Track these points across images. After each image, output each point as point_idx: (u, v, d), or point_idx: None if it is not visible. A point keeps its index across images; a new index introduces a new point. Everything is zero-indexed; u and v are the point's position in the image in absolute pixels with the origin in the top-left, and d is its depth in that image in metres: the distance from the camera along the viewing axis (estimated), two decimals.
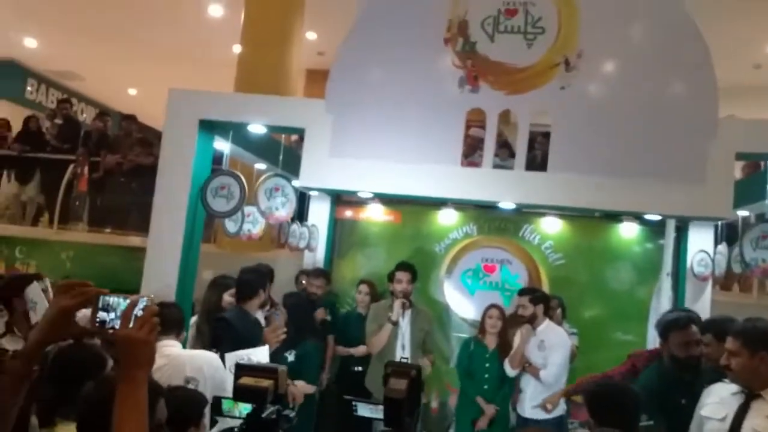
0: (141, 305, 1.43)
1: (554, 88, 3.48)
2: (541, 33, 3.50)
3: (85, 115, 13.02)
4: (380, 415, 1.81)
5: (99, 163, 8.29)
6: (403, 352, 4.63)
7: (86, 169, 8.11)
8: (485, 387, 4.58)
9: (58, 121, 9.39)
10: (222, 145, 4.27)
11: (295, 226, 5.66)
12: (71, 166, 8.12)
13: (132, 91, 13.44)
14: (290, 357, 4.05)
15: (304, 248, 5.93)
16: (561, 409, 4.55)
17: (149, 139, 8.51)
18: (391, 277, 4.81)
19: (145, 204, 7.76)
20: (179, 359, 2.94)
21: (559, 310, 5.00)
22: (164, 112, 4.02)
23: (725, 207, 3.36)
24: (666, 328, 3.20)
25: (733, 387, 2.76)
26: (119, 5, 9.49)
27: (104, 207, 8.21)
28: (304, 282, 5.29)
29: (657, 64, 3.43)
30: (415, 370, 1.75)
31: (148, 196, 7.38)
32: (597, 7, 3.48)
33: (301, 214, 6.39)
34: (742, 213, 4.94)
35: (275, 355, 4.00)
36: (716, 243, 5.12)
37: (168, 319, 3.07)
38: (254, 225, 4.75)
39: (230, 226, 4.58)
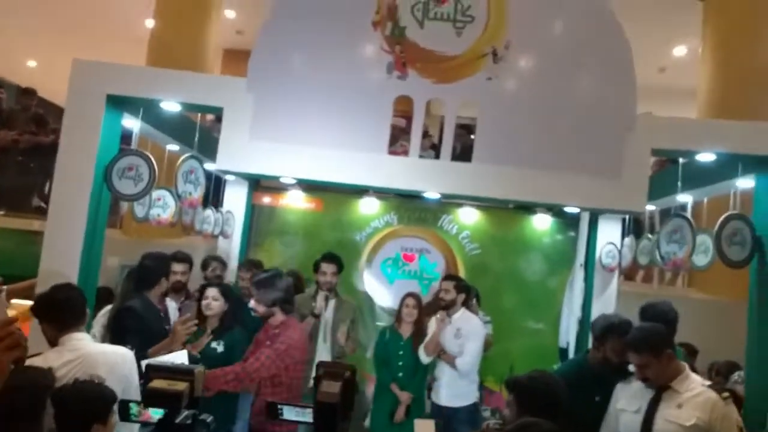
0: None
1: (481, 79, 3.47)
2: (470, 22, 3.48)
3: None
4: (308, 419, 1.69)
5: None
6: (324, 344, 4.55)
7: None
8: (399, 374, 4.58)
9: None
10: (131, 123, 3.97)
11: (209, 212, 5.42)
12: None
13: (32, 63, 12.43)
14: (219, 347, 3.86)
15: (218, 235, 5.70)
16: (474, 396, 4.62)
17: (45, 118, 7.89)
18: (316, 268, 4.67)
19: (43, 185, 7.27)
20: (91, 357, 2.66)
21: (475, 300, 5.07)
22: (66, 86, 3.68)
23: (640, 201, 3.48)
24: (606, 331, 3.26)
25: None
26: None
27: None
28: (213, 269, 5.04)
29: (580, 59, 3.50)
30: (349, 371, 1.63)
31: (47, 176, 6.93)
32: None
33: (216, 199, 6.13)
34: (648, 207, 5.19)
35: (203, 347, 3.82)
36: (623, 235, 5.36)
37: (72, 307, 2.82)
38: (164, 209, 4.47)
39: (138, 210, 4.29)
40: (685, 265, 3.95)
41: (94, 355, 2.68)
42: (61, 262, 3.59)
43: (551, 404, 2.32)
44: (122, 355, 2.81)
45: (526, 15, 3.46)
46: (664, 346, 2.82)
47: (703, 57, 7.27)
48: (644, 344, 2.81)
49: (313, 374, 1.63)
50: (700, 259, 3.89)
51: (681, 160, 3.82)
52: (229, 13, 9.09)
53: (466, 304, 4.65)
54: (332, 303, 4.65)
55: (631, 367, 3.07)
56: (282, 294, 3.53)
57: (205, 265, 5.08)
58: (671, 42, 9.01)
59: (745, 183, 3.83)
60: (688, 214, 4.79)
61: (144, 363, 2.68)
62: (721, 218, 3.64)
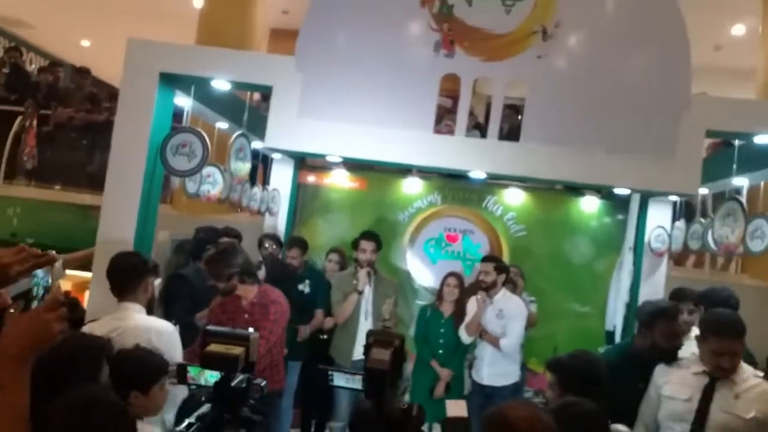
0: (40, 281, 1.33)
1: (531, 57, 3.42)
2: (520, 0, 3.42)
3: (35, 66, 12.33)
4: (357, 386, 1.74)
5: (49, 116, 7.88)
6: (365, 320, 4.61)
7: (35, 122, 7.70)
8: (440, 352, 4.62)
9: (6, 70, 8.87)
10: (183, 101, 4.07)
11: (257, 189, 5.52)
12: (19, 118, 7.69)
13: (85, 43, 12.78)
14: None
15: (265, 212, 5.81)
16: (516, 376, 4.62)
17: (99, 96, 8.13)
18: (355, 245, 4.73)
19: (98, 161, 7.51)
20: (130, 330, 2.67)
21: (521, 280, 5.04)
22: (120, 66, 3.78)
23: (693, 183, 3.39)
24: (654, 316, 3.16)
25: (694, 367, 2.76)
26: None
27: (54, 162, 7.83)
28: (267, 246, 5.15)
29: (632, 37, 3.41)
30: (398, 339, 1.67)
31: (101, 152, 7.16)
32: None
33: (263, 177, 6.24)
34: (701, 191, 5.04)
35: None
36: (674, 219, 5.23)
37: (123, 274, 2.88)
38: (213, 186, 4.59)
39: (190, 186, 4.42)
40: (737, 249, 3.83)
41: (133, 329, 2.69)
42: (117, 234, 3.72)
43: (593, 383, 2.30)
44: (162, 331, 2.80)
45: None
46: (744, 334, 2.72)
47: (763, 35, 6.96)
48: (742, 329, 2.66)
49: (363, 343, 1.66)
50: (756, 245, 3.77)
51: (737, 142, 3.69)
52: None
53: (506, 283, 4.64)
54: (372, 280, 4.69)
55: (683, 353, 2.99)
56: (238, 267, 3.44)
57: (260, 243, 5.20)
58: (729, 20, 8.63)
59: None
60: (743, 198, 4.65)
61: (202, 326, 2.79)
62: None
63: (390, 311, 4.40)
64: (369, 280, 4.62)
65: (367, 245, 4.66)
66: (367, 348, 1.58)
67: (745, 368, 2.74)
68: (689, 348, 2.98)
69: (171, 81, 3.83)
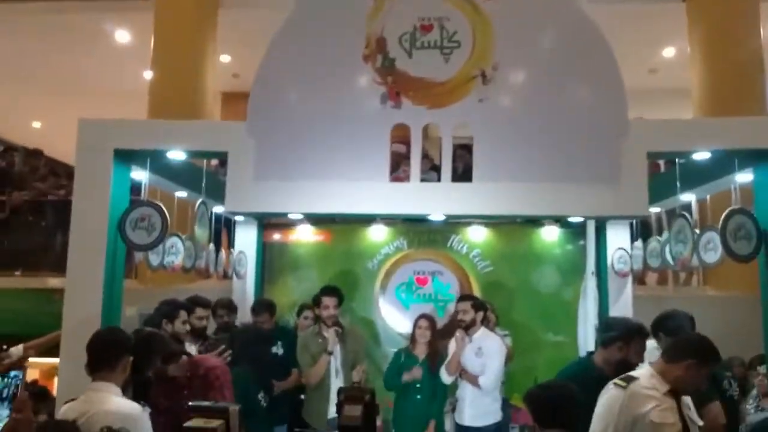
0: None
1: (473, 101, 3.57)
2: (457, 47, 3.59)
3: None
4: None
5: (4, 202, 7.76)
6: (336, 378, 4.53)
7: None
8: (418, 397, 4.60)
9: None
10: (140, 175, 4.09)
11: (222, 254, 5.50)
12: None
13: (36, 124, 12.71)
14: (263, 401, 3.93)
15: (232, 276, 5.77)
16: (498, 415, 4.61)
17: (57, 172, 8.08)
18: (316, 302, 4.69)
19: (57, 243, 7.40)
20: (98, 415, 2.50)
21: (493, 316, 5.09)
22: (72, 144, 3.80)
23: (642, 205, 3.53)
24: (632, 333, 3.23)
25: (661, 387, 2.72)
26: (16, 33, 8.98)
27: (12, 248, 7.67)
28: (221, 315, 5.08)
29: (568, 73, 3.59)
30: (368, 394, 1.70)
31: (60, 234, 7.06)
32: (508, 20, 3.61)
33: (227, 241, 6.22)
34: (654, 209, 5.22)
35: (250, 401, 3.86)
36: (632, 240, 5.39)
37: (94, 351, 2.75)
38: (177, 256, 4.56)
39: (153, 258, 4.38)
40: (690, 263, 3.97)
41: (103, 414, 2.54)
42: (83, 314, 3.66)
43: (565, 413, 2.34)
44: (130, 416, 2.60)
45: (510, 35, 3.56)
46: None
47: (692, 56, 7.37)
48: None
49: (335, 401, 1.68)
50: (710, 256, 3.92)
51: (677, 160, 3.87)
52: (225, 58, 9.31)
53: (483, 321, 4.68)
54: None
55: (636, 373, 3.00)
56: (161, 350, 3.19)
57: (213, 312, 5.10)
58: (659, 44, 9.11)
59: (744, 177, 3.88)
60: (694, 213, 4.84)
61: None
62: (724, 214, 3.68)
63: (361, 377, 4.40)
64: (337, 338, 4.55)
65: (329, 301, 4.61)
66: (339, 405, 1.60)
67: None
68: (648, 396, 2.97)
69: (126, 156, 3.86)
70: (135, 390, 3.61)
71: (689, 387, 2.74)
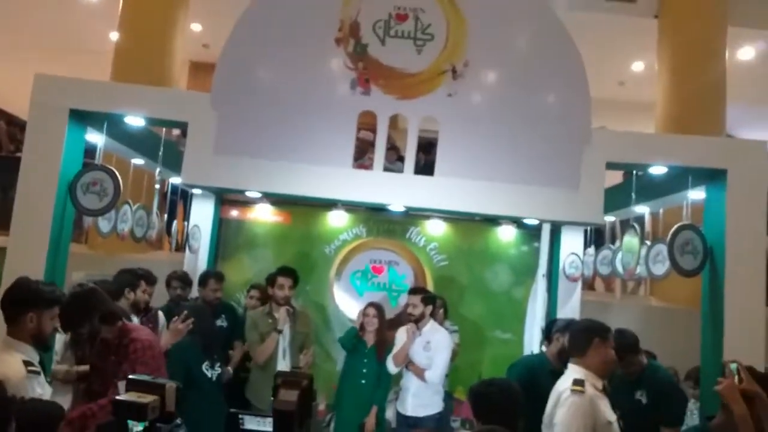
0: None
1: (442, 95, 3.57)
2: (431, 40, 3.58)
3: None
4: (269, 428, 1.73)
5: None
6: (284, 358, 4.52)
7: None
8: (362, 381, 4.63)
9: None
10: (95, 138, 3.97)
11: (175, 226, 5.41)
12: None
13: None
14: (210, 372, 3.92)
15: (185, 249, 5.68)
16: (440, 406, 4.67)
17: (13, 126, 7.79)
18: (272, 282, 4.66)
19: (4, 200, 7.13)
20: None
21: (441, 311, 5.14)
22: (29, 100, 3.66)
23: (597, 213, 3.60)
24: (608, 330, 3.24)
25: (597, 384, 2.88)
26: None
27: None
28: (175, 287, 5.03)
29: (536, 76, 3.62)
30: (306, 379, 1.68)
31: (6, 191, 6.80)
32: (483, 19, 3.61)
33: (182, 213, 6.11)
34: (609, 218, 5.35)
35: (194, 373, 3.83)
36: (585, 246, 5.51)
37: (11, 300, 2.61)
38: (127, 224, 4.46)
39: (103, 225, 4.27)
40: (636, 273, 4.08)
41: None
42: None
43: (507, 410, 2.38)
44: (5, 377, 2.36)
45: (484, 34, 3.57)
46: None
47: (660, 72, 7.54)
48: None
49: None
50: (658, 269, 4.03)
51: (635, 172, 3.96)
52: (195, 27, 9.09)
53: (432, 314, 4.72)
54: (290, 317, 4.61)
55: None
56: (99, 309, 3.11)
57: (168, 284, 5.06)
58: (630, 57, 9.31)
59: (696, 195, 3.99)
60: (647, 225, 4.97)
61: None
62: (673, 229, 3.78)
63: (307, 361, 4.41)
64: (289, 319, 4.54)
65: (285, 281, 4.58)
66: (275, 389, 1.59)
67: None
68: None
69: (82, 117, 3.73)
70: (72, 345, 3.54)
71: (609, 369, 2.90)
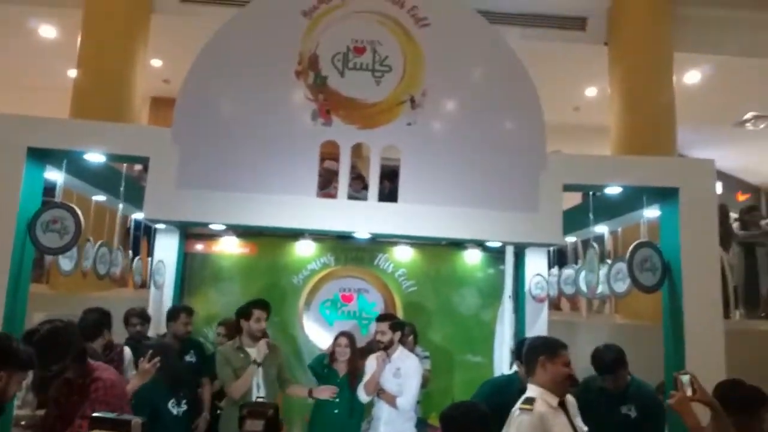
0: None
1: (401, 124, 3.65)
2: (389, 71, 3.67)
3: None
4: None
5: None
6: (258, 391, 4.41)
7: None
8: (335, 411, 4.58)
9: None
10: (55, 176, 3.92)
11: (139, 262, 5.33)
12: None
13: None
14: (176, 410, 3.86)
15: (150, 285, 5.59)
16: None
17: None
18: (245, 314, 4.60)
19: None
20: None
21: (411, 337, 5.15)
22: None
23: (557, 234, 3.69)
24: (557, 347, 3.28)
25: (552, 402, 2.87)
26: None
27: None
28: (134, 324, 4.95)
29: (492, 104, 3.73)
30: (272, 409, 1.68)
31: None
32: (439, 50, 3.72)
33: (146, 249, 6.02)
34: (570, 239, 5.47)
35: (159, 410, 3.75)
36: (549, 267, 5.61)
37: None
38: (88, 261, 4.38)
39: (64, 263, 4.19)
40: (597, 291, 4.18)
41: None
42: None
43: (474, 431, 2.40)
44: None
45: (440, 65, 3.68)
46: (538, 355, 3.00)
47: (612, 97, 7.82)
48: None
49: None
50: (619, 286, 4.12)
51: (592, 193, 4.08)
52: (156, 62, 9.08)
53: (401, 341, 4.72)
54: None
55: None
56: (76, 346, 3.02)
57: (126, 321, 4.97)
58: (583, 83, 9.61)
59: (652, 213, 4.13)
60: (607, 244, 5.09)
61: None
62: (631, 247, 3.89)
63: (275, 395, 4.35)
64: (267, 351, 4.45)
65: (261, 314, 4.53)
66: (241, 420, 1.59)
67: None
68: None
69: (40, 155, 3.69)
70: (34, 387, 3.43)
71: (562, 385, 2.88)
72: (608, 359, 3.81)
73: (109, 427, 1.85)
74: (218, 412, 4.69)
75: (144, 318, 5.02)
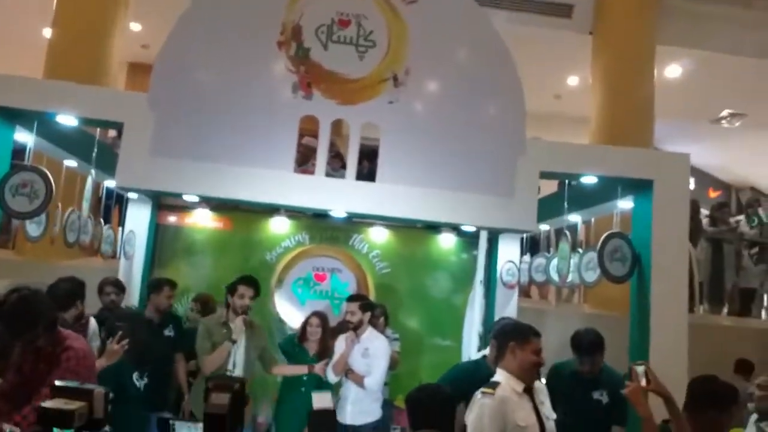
0: None
1: (383, 102, 3.61)
2: (372, 47, 3.61)
3: None
4: None
5: None
6: (233, 370, 4.35)
7: None
8: (303, 389, 4.57)
9: None
10: (25, 137, 3.80)
11: (110, 231, 5.23)
12: None
13: None
14: (139, 383, 3.76)
15: (120, 255, 5.50)
16: (378, 413, 4.67)
17: None
18: (232, 290, 4.49)
19: None
20: None
21: (382, 318, 5.16)
22: None
23: (531, 221, 3.71)
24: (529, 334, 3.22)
25: (517, 387, 2.85)
26: None
27: None
28: (109, 293, 4.85)
29: (474, 85, 3.71)
30: (238, 383, 1.66)
31: None
32: (424, 28, 3.68)
33: (117, 219, 5.91)
34: (544, 227, 5.51)
35: (123, 382, 3.67)
36: (522, 254, 5.65)
37: None
38: (57, 227, 4.29)
39: (32, 229, 4.09)
40: (567, 280, 4.22)
41: None
42: None
43: (437, 413, 2.41)
44: None
45: (424, 43, 3.64)
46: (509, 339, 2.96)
47: (593, 87, 7.85)
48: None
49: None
50: (589, 276, 4.18)
51: (567, 182, 4.10)
52: (135, 26, 8.84)
53: (371, 321, 4.72)
54: (246, 329, 4.46)
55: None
56: (48, 316, 2.91)
57: (101, 290, 4.87)
58: (565, 72, 9.64)
59: (625, 204, 4.17)
60: (580, 234, 5.15)
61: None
62: (603, 237, 3.93)
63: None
64: (244, 329, 4.38)
65: (246, 291, 4.41)
66: (206, 393, 1.56)
67: None
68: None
69: (10, 115, 3.58)
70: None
71: (529, 372, 2.87)
72: (587, 341, 3.85)
73: (71, 396, 1.81)
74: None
75: (119, 287, 4.92)
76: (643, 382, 2.86)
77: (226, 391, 1.58)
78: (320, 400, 3.01)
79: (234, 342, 4.33)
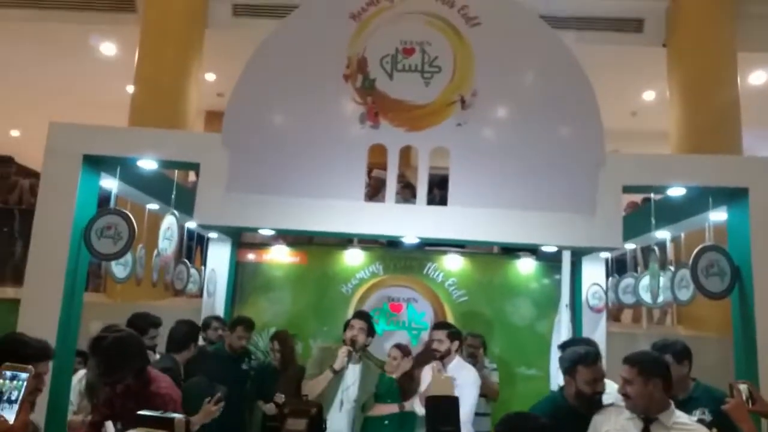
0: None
1: (451, 125, 3.55)
2: (438, 72, 3.59)
3: None
4: None
5: None
6: (339, 411, 4.21)
7: None
8: (386, 422, 4.45)
9: None
10: (110, 184, 4.00)
11: (193, 271, 5.39)
12: None
13: (14, 133, 12.54)
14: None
15: (202, 294, 5.65)
16: None
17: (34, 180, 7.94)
18: (346, 324, 4.47)
19: (19, 251, 7.19)
20: None
21: (481, 350, 5.03)
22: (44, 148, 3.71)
23: (616, 237, 3.50)
24: (575, 362, 3.17)
25: (627, 412, 2.85)
26: (3, 41, 8.91)
27: None
28: (216, 328, 5.03)
29: (547, 105, 3.59)
30: (315, 408, 1.61)
31: (24, 242, 6.87)
32: (490, 50, 3.61)
33: (199, 258, 6.10)
34: (629, 246, 5.22)
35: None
36: (607, 276, 5.38)
37: None
38: (144, 268, 4.47)
39: (118, 270, 4.26)
40: (658, 299, 3.95)
41: None
42: (37, 326, 3.50)
43: None
44: None
45: (492, 64, 3.57)
46: (656, 372, 2.81)
47: (671, 101, 7.51)
48: (636, 360, 2.85)
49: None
50: (683, 294, 3.90)
51: (653, 196, 3.87)
52: (210, 76, 9.29)
53: (471, 353, 4.58)
54: (358, 367, 4.37)
55: (606, 398, 3.05)
56: (138, 357, 3.00)
57: (206, 326, 5.06)
58: (641, 87, 9.30)
59: (718, 216, 3.88)
60: (669, 251, 4.84)
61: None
62: (695, 251, 3.67)
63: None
64: (348, 361, 4.26)
65: (355, 323, 4.39)
66: (282, 418, 1.52)
67: (678, 413, 2.82)
68: (612, 418, 2.98)
69: (95, 163, 3.77)
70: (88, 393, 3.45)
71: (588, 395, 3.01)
72: (679, 347, 3.55)
73: (153, 425, 1.83)
74: (269, 425, 4.63)
75: (223, 323, 5.18)
76: (749, 402, 2.75)
77: (302, 417, 1.54)
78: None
79: (335, 372, 4.19)
